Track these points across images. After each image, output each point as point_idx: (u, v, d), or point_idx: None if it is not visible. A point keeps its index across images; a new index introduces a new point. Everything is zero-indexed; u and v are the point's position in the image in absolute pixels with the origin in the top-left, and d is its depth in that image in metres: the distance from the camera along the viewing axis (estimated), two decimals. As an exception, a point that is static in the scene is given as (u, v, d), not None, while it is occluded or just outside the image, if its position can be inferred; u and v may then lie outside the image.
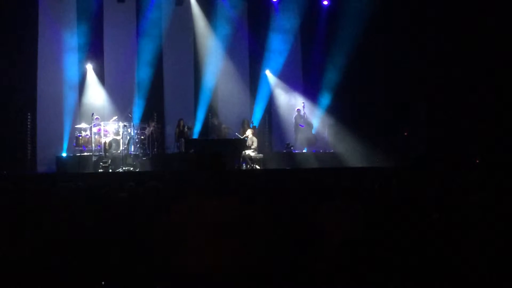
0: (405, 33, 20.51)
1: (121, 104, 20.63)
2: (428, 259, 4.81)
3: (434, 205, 6.16)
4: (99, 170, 17.74)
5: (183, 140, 19.67)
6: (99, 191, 7.88)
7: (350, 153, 20.14)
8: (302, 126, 21.38)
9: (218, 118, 21.74)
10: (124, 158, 18.36)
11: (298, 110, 21.55)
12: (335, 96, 21.88)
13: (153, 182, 7.82)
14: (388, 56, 20.61)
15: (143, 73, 21.19)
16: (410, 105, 20.76)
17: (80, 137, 18.74)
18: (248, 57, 22.79)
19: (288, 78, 22.68)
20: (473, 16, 19.20)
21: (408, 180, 10.10)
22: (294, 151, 20.67)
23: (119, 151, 18.61)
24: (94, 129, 18.62)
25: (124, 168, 18.05)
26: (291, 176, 15.86)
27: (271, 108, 22.63)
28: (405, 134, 20.81)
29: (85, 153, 18.67)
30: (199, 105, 21.75)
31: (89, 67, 20.78)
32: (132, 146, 19.18)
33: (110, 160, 18.11)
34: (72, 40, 20.51)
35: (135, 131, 19.26)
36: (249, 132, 19.50)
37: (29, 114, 19.33)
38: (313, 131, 21.77)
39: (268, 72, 22.61)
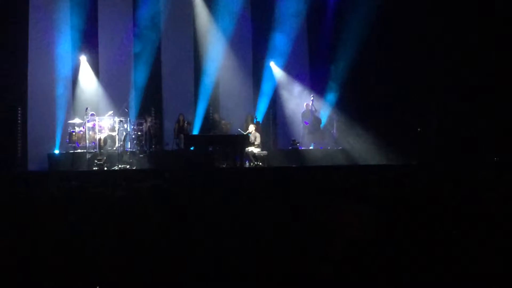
0: (418, 22, 20.47)
1: (117, 98, 20.65)
2: (439, 262, 4.83)
3: (448, 206, 6.19)
4: (94, 168, 17.77)
5: (182, 136, 19.69)
6: (94, 190, 7.89)
7: (359, 150, 20.15)
8: (307, 123, 21.35)
9: (219, 113, 21.77)
10: (120, 156, 18.39)
11: (307, 105, 21.48)
12: (343, 89, 21.84)
13: (152, 181, 7.84)
14: (400, 48, 20.56)
15: (141, 65, 21.22)
16: (424, 99, 20.72)
17: (74, 133, 18.76)
18: (252, 48, 22.78)
19: (294, 70, 22.67)
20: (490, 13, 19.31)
21: (422, 178, 10.13)
22: (300, 148, 20.67)
23: (114, 148, 18.64)
24: (89, 125, 18.63)
25: (120, 166, 18.08)
26: (297, 175, 15.86)
27: (275, 102, 22.62)
28: (418, 130, 20.78)
29: (79, 150, 18.69)
30: (200, 99, 21.77)
31: (83, 59, 20.79)
32: (129, 143, 19.20)
33: (105, 158, 18.14)
34: (65, 30, 20.53)
35: (132, 127, 19.28)
36: (252, 128, 19.51)
37: (19, 109, 19.37)
38: (321, 127, 21.75)
39: (272, 64, 22.60)
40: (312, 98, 21.55)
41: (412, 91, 20.51)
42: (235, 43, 22.25)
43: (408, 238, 5.26)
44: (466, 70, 19.64)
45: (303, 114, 21.55)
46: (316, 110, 21.45)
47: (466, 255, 4.92)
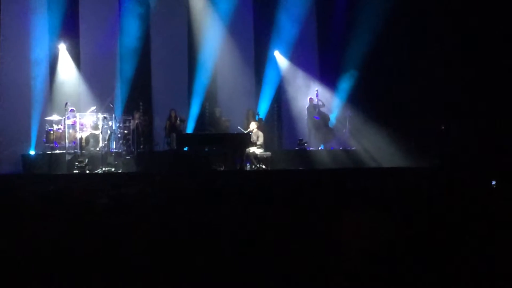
0: (442, 6, 20.45)
1: (100, 91, 20.64)
2: (463, 274, 4.86)
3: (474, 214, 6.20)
4: (74, 171, 17.78)
5: (174, 135, 19.68)
6: (74, 196, 7.90)
7: (374, 150, 20.12)
8: (317, 118, 21.33)
9: (217, 109, 21.73)
10: (104, 157, 18.39)
11: (311, 99, 21.46)
12: (357, 82, 21.79)
13: (140, 186, 7.84)
14: (421, 35, 20.53)
15: (127, 55, 21.19)
16: (448, 93, 20.68)
17: (51, 132, 18.76)
18: (253, 34, 22.75)
19: (301, 60, 22.63)
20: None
21: (445, 183, 10.14)
22: (308, 149, 20.66)
23: (98, 149, 18.64)
24: (68, 122, 18.62)
25: (104, 169, 18.07)
26: (305, 178, 15.87)
27: (280, 96, 22.59)
28: (442, 128, 20.75)
29: (57, 151, 18.69)
30: (194, 93, 21.74)
31: (62, 47, 20.79)
32: (114, 143, 19.20)
33: (87, 159, 18.14)
34: (41, 13, 20.50)
35: (117, 125, 19.26)
36: (253, 126, 19.50)
37: (-11, 104, 19.39)
38: (331, 125, 21.73)
39: (277, 53, 22.58)
40: (316, 91, 21.47)
41: (436, 86, 20.44)
42: (235, 29, 22.20)
43: (428, 249, 5.28)
44: (497, 67, 19.67)
45: (308, 109, 21.46)
46: (322, 105, 21.40)
47: (493, 267, 4.96)
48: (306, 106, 21.58)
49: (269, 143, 20.57)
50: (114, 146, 19.17)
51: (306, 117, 21.63)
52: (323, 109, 21.46)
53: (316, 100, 21.37)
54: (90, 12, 21.24)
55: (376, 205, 6.50)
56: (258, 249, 5.39)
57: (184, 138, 19.46)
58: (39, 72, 20.47)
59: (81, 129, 18.74)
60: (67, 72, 20.89)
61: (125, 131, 19.31)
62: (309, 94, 21.78)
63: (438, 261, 5.11)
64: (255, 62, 22.65)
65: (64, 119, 18.62)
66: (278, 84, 22.50)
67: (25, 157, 19.09)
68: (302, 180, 14.85)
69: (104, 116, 18.88)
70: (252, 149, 19.02)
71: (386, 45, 20.95)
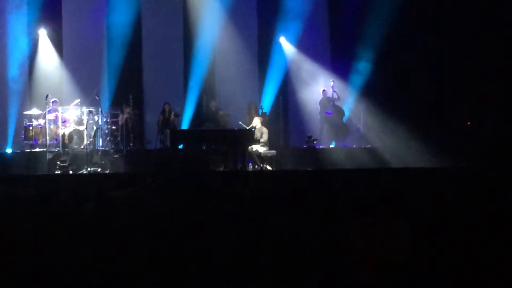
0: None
1: (85, 82, 20.65)
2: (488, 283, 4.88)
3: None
4: (56, 172, 17.79)
5: (168, 131, 19.69)
6: (56, 199, 7.91)
7: (392, 149, 20.12)
8: (330, 113, 21.31)
9: (216, 102, 21.74)
10: (89, 156, 18.39)
11: (325, 92, 21.45)
12: (374, 71, 21.77)
13: (130, 189, 7.86)
14: (447, 18, 20.51)
15: (116, 41, 21.18)
16: (476, 85, 20.66)
17: (31, 128, 18.77)
18: (257, 19, 22.75)
19: (311, 48, 22.62)
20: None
21: (473, 186, 10.14)
22: (317, 147, 20.66)
23: (82, 146, 18.64)
24: (49, 117, 18.63)
25: (89, 169, 18.08)
26: (314, 180, 15.88)
27: (286, 88, 22.58)
28: (468, 123, 20.74)
29: (37, 149, 18.70)
30: (191, 84, 21.75)
31: (42, 33, 20.78)
32: (100, 140, 19.21)
33: (70, 158, 18.15)
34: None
35: (104, 120, 19.28)
36: (257, 121, 19.50)
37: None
38: (344, 120, 21.73)
39: (283, 40, 22.57)
40: (332, 83, 21.46)
41: (465, 71, 20.42)
42: (236, 13, 22.18)
43: (453, 262, 5.29)
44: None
45: (321, 103, 21.47)
46: (337, 98, 21.39)
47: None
48: (319, 100, 21.56)
49: (274, 140, 20.55)
50: (100, 144, 19.19)
51: (318, 112, 21.61)
52: (337, 103, 21.45)
53: (331, 93, 21.33)
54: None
55: (393, 210, 6.51)
56: (260, 258, 5.40)
57: (179, 135, 19.46)
58: (17, 61, 20.48)
59: (64, 125, 18.73)
60: (48, 60, 20.90)
61: (113, 127, 19.33)
62: (319, 85, 21.80)
63: (464, 269, 5.13)
64: (258, 50, 22.67)
65: (45, 114, 18.61)
66: (284, 74, 22.48)
67: (1, 156, 19.10)
68: (310, 181, 14.86)
69: (89, 110, 18.85)
70: (255, 147, 19.03)
71: (405, 31, 20.92)
